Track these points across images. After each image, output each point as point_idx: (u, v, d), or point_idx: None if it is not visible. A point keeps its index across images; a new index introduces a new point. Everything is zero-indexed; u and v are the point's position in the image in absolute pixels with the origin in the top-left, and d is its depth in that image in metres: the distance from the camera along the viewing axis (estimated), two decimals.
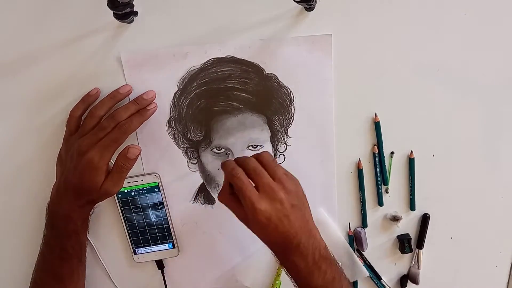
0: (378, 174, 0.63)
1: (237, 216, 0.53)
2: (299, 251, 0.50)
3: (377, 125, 0.61)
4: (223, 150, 0.61)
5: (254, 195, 0.49)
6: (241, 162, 0.52)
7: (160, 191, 0.63)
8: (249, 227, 0.52)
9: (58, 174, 0.58)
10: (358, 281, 0.69)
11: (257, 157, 0.53)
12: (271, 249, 0.53)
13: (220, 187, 0.63)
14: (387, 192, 0.64)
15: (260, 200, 0.48)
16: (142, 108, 0.57)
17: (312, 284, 0.51)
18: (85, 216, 0.58)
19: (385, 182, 0.64)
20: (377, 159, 0.62)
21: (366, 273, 0.67)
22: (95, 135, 0.54)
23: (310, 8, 0.56)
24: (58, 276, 0.59)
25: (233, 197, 0.52)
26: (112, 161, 0.56)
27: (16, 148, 0.61)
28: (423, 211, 0.66)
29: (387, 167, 0.63)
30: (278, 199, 0.49)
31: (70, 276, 0.59)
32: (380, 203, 0.65)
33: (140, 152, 0.56)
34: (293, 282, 0.53)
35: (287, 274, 0.54)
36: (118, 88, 0.57)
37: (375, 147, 0.62)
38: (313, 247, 0.51)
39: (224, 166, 0.53)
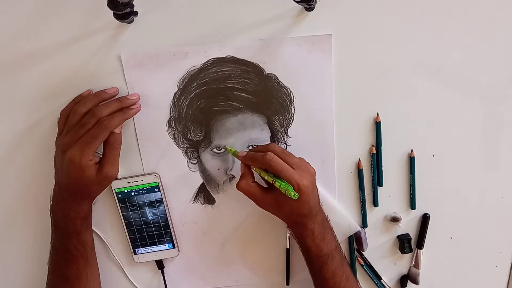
0: (373, 175, 0.63)
1: (258, 202, 0.57)
2: (317, 218, 0.56)
3: (377, 125, 0.61)
4: (223, 150, 0.61)
5: (295, 174, 0.52)
6: (264, 148, 0.56)
7: (160, 191, 0.63)
8: (278, 209, 0.56)
9: (55, 175, 0.58)
10: (358, 281, 0.69)
11: (270, 144, 0.58)
12: (294, 221, 0.56)
13: (220, 187, 0.63)
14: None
15: (302, 178, 0.53)
16: (125, 106, 0.57)
17: (324, 249, 0.57)
18: (84, 214, 0.58)
19: (380, 183, 0.64)
20: (374, 159, 0.62)
21: (357, 226, 0.66)
22: (76, 132, 0.53)
23: (310, 8, 0.56)
24: (65, 277, 0.59)
25: (256, 184, 0.56)
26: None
27: (16, 148, 0.61)
28: (423, 211, 0.66)
29: (383, 168, 0.63)
30: (312, 173, 0.56)
31: (77, 277, 0.59)
32: (376, 203, 0.65)
33: (121, 121, 0.56)
34: (305, 252, 0.59)
35: (302, 245, 0.58)
36: (106, 88, 0.57)
37: (373, 147, 0.62)
38: (322, 214, 0.58)
39: (251, 156, 0.56)
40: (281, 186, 0.52)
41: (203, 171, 0.63)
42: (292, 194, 0.51)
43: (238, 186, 0.56)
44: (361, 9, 0.57)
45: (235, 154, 0.58)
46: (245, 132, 0.61)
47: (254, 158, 0.55)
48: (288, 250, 0.66)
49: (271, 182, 0.53)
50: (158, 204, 0.63)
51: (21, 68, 0.58)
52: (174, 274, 0.68)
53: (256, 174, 0.57)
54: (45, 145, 0.60)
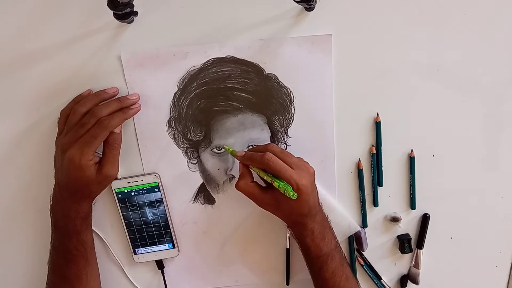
0: (373, 175, 0.63)
1: (258, 202, 0.57)
2: (317, 218, 0.56)
3: (377, 125, 0.61)
4: (223, 150, 0.61)
5: (294, 174, 0.52)
6: (263, 148, 0.56)
7: (160, 191, 0.63)
8: (277, 209, 0.56)
9: (55, 175, 0.58)
10: (358, 281, 0.69)
11: (269, 144, 0.58)
12: (294, 221, 0.56)
13: (220, 187, 0.63)
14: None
15: (301, 178, 0.53)
16: (125, 106, 0.57)
17: (323, 249, 0.57)
18: (84, 214, 0.58)
19: (380, 183, 0.64)
20: (374, 159, 0.62)
21: (357, 226, 0.66)
22: (75, 132, 0.54)
23: (310, 8, 0.56)
24: (65, 277, 0.59)
25: (255, 184, 0.56)
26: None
27: (16, 148, 0.61)
28: (423, 211, 0.66)
29: (383, 168, 0.63)
30: (312, 173, 0.55)
31: (77, 277, 0.59)
32: (376, 203, 0.65)
33: (121, 121, 0.56)
34: (305, 251, 0.59)
35: (301, 244, 0.58)
36: (106, 88, 0.57)
37: (373, 147, 0.62)
38: (322, 214, 0.58)
39: (250, 156, 0.56)
40: (280, 186, 0.52)
41: (203, 171, 0.63)
42: (291, 194, 0.51)
43: (237, 186, 0.56)
44: (361, 9, 0.57)
45: (233, 153, 0.58)
46: (245, 132, 0.61)
47: (253, 158, 0.55)
48: (288, 250, 0.66)
49: (270, 182, 0.53)
50: (158, 204, 0.63)
51: (21, 68, 0.58)
52: (174, 274, 0.68)
53: (255, 174, 0.57)
54: (45, 145, 0.60)
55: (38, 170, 0.62)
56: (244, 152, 0.57)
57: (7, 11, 0.56)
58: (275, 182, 0.52)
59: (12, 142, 0.61)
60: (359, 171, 0.63)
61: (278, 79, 0.59)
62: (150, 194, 0.63)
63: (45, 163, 0.61)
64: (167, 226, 0.65)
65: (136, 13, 0.56)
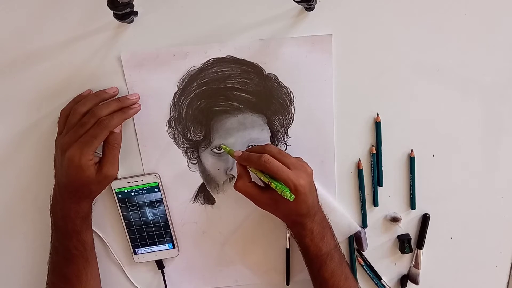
0: (373, 175, 0.63)
1: (256, 202, 0.57)
2: (316, 218, 0.56)
3: (377, 125, 0.61)
4: (223, 150, 0.61)
5: (291, 174, 0.52)
6: (261, 149, 0.56)
7: (160, 191, 0.63)
8: (276, 209, 0.56)
9: (55, 175, 0.59)
10: (358, 281, 0.69)
11: (267, 145, 0.58)
12: (293, 221, 0.57)
13: (220, 187, 0.63)
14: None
15: (298, 178, 0.52)
16: (125, 106, 0.57)
17: (323, 249, 0.57)
18: (84, 214, 0.58)
19: (380, 183, 0.64)
20: (374, 159, 0.62)
21: (357, 226, 0.66)
22: (75, 132, 0.54)
23: (310, 8, 0.56)
24: (65, 277, 0.59)
25: (253, 184, 0.56)
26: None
27: (16, 148, 0.61)
28: (423, 211, 0.66)
29: (383, 168, 0.63)
30: (310, 173, 0.55)
31: (77, 277, 0.59)
32: (376, 203, 0.65)
33: (120, 121, 0.56)
34: (304, 251, 0.59)
35: (301, 244, 0.58)
36: (106, 88, 0.57)
37: (373, 147, 0.62)
38: (321, 214, 0.58)
39: (247, 157, 0.55)
40: (277, 187, 0.51)
41: (203, 171, 0.63)
42: (288, 196, 0.50)
43: (235, 186, 0.57)
44: (361, 9, 0.57)
45: (230, 153, 0.58)
46: (245, 132, 0.61)
47: (250, 159, 0.55)
48: (288, 250, 0.66)
49: (267, 182, 0.53)
50: (158, 204, 0.63)
51: (21, 68, 0.58)
52: (174, 274, 0.68)
53: (253, 174, 0.57)
54: (45, 145, 0.60)
55: (38, 170, 0.62)
56: (241, 152, 0.57)
57: (7, 11, 0.56)
58: (272, 183, 0.52)
59: (12, 142, 0.61)
60: (359, 171, 0.63)
61: (278, 79, 0.59)
62: (150, 194, 0.63)
63: (45, 163, 0.61)
64: (167, 226, 0.65)
65: (136, 13, 0.56)
